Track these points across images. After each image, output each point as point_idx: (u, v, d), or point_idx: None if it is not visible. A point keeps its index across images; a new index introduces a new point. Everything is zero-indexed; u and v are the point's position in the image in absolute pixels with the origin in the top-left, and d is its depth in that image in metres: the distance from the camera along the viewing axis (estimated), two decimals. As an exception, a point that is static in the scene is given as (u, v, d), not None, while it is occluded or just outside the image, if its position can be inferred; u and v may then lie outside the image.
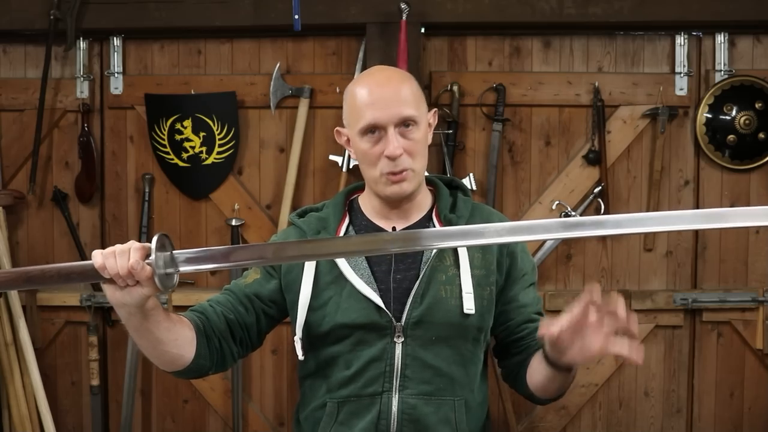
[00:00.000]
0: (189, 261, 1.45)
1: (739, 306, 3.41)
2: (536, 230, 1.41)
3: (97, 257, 1.44)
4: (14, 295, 3.36)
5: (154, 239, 1.44)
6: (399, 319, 1.68)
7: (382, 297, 1.68)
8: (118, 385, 3.54)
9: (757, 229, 3.46)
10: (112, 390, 3.58)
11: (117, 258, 1.42)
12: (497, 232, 1.41)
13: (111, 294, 1.47)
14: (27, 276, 1.49)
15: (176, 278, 1.47)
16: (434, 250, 1.69)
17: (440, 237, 1.46)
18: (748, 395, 3.48)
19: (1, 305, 3.35)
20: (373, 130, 1.67)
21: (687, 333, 3.48)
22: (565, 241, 3.44)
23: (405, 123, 1.67)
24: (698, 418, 3.50)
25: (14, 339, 3.37)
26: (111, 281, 1.45)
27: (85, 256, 3.48)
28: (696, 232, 3.46)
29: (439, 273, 1.70)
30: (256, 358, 3.52)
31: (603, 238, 3.46)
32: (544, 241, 3.43)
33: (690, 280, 3.48)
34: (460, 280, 1.69)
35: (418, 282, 1.69)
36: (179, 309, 3.38)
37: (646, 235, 3.44)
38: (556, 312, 3.57)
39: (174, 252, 1.45)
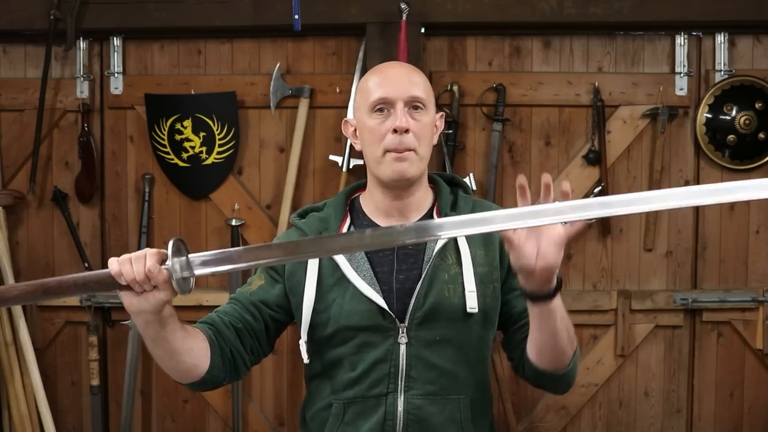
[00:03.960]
0: (205, 264, 1.46)
1: (739, 306, 3.42)
2: (546, 213, 1.39)
3: (114, 265, 1.45)
4: (14, 295, 3.36)
5: (170, 243, 1.45)
6: (402, 320, 1.67)
7: (384, 298, 1.68)
8: (118, 385, 3.54)
9: (758, 229, 3.46)
10: (112, 390, 3.58)
11: (133, 264, 1.43)
12: (508, 218, 1.39)
13: (128, 301, 1.48)
14: (44, 288, 1.48)
15: (193, 282, 1.48)
16: (435, 250, 1.69)
17: (451, 226, 1.43)
18: (748, 395, 3.48)
19: (1, 305, 3.35)
20: (382, 106, 1.68)
21: (687, 333, 3.48)
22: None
23: (414, 105, 1.69)
24: (698, 418, 3.50)
25: (14, 339, 3.37)
26: (128, 288, 1.46)
27: (85, 257, 3.48)
28: (696, 231, 3.46)
29: (442, 272, 1.69)
30: (256, 358, 3.52)
31: (603, 238, 3.46)
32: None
33: (690, 280, 3.48)
34: (463, 279, 1.68)
35: (420, 282, 1.68)
36: (179, 309, 3.36)
37: (647, 234, 3.44)
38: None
39: (190, 255, 1.46)
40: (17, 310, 3.36)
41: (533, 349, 1.63)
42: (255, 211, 3.50)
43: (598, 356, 3.47)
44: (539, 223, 1.40)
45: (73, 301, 3.49)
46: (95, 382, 3.48)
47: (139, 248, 3.06)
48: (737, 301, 3.41)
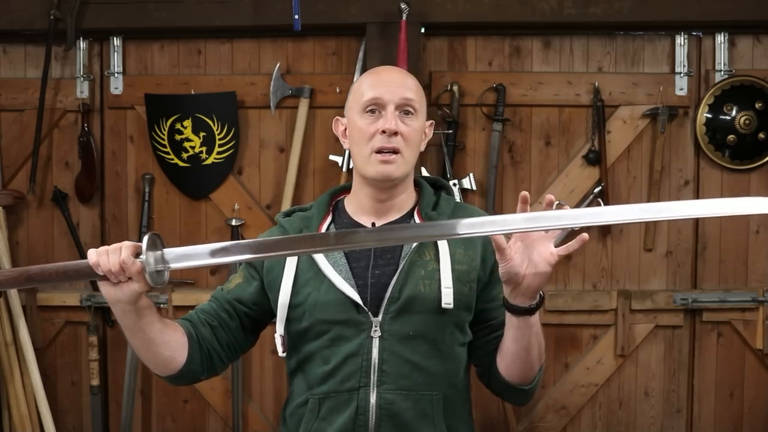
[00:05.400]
0: (178, 258, 1.54)
1: (739, 306, 3.42)
2: (498, 224, 1.47)
3: (92, 255, 1.54)
4: (14, 295, 3.36)
5: (145, 237, 1.52)
6: (376, 315, 1.68)
7: (359, 292, 1.69)
8: (118, 385, 3.54)
9: (757, 229, 3.46)
10: (112, 390, 3.59)
11: (109, 255, 1.52)
12: (473, 225, 1.47)
13: (105, 291, 1.56)
14: (27, 274, 1.57)
15: (167, 275, 1.55)
16: (413, 245, 1.71)
17: (415, 231, 1.55)
18: (748, 395, 3.48)
19: (1, 305, 3.35)
20: (374, 108, 1.71)
21: (687, 333, 3.48)
22: (566, 241, 3.43)
23: (405, 109, 1.71)
24: (698, 418, 3.50)
25: (14, 339, 3.37)
26: (105, 278, 1.53)
27: (85, 257, 3.47)
28: (696, 231, 3.46)
29: (418, 268, 1.70)
30: (256, 358, 3.52)
31: (603, 238, 3.46)
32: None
33: (690, 280, 3.48)
34: (439, 275, 1.69)
35: (396, 277, 1.69)
36: (179, 309, 3.40)
37: (646, 234, 3.45)
38: (556, 312, 3.56)
39: (165, 250, 1.53)
40: (17, 309, 3.36)
41: (504, 360, 1.69)
42: (255, 211, 3.50)
43: (598, 356, 3.47)
44: (504, 232, 1.49)
45: (73, 301, 3.49)
46: (95, 382, 3.48)
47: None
48: (737, 301, 3.41)
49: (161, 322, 1.64)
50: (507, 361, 1.68)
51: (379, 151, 1.69)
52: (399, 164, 1.70)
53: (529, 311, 1.58)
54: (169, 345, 1.67)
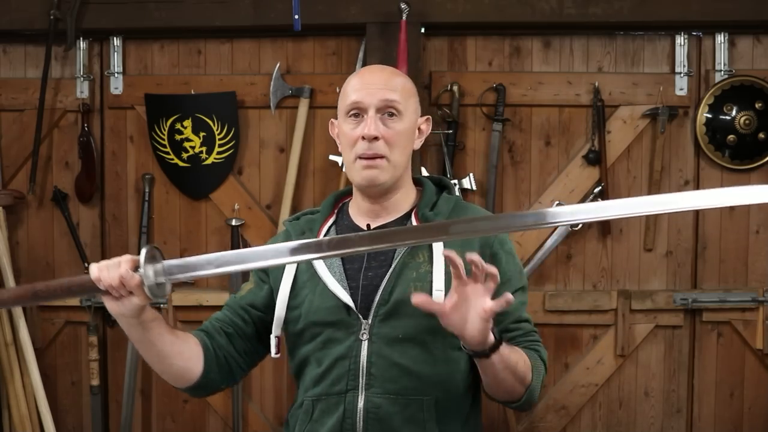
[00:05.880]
0: (177, 269, 1.53)
1: (739, 306, 3.41)
2: (482, 225, 1.50)
3: (94, 270, 1.53)
4: (14, 295, 3.36)
5: (143, 250, 1.51)
6: (366, 317, 1.67)
7: (351, 294, 1.68)
8: (118, 385, 3.54)
9: (757, 229, 3.46)
10: (112, 390, 3.59)
11: (109, 270, 1.51)
12: (458, 228, 1.49)
13: (109, 306, 1.56)
14: (34, 291, 1.58)
15: (168, 287, 1.54)
16: (406, 247, 1.69)
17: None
18: (748, 395, 3.48)
19: (1, 305, 3.35)
20: (356, 111, 1.69)
21: (687, 333, 3.48)
22: (566, 241, 3.44)
23: (388, 111, 1.69)
24: (698, 418, 3.50)
25: (14, 339, 3.37)
26: (108, 293, 1.53)
27: (85, 257, 3.48)
28: (696, 231, 3.46)
29: (410, 270, 1.68)
30: (256, 358, 3.52)
31: (603, 238, 3.46)
32: (544, 241, 3.43)
33: (690, 280, 3.48)
34: (432, 277, 1.67)
35: (386, 279, 1.68)
36: (179, 309, 3.40)
37: (646, 234, 3.44)
38: (556, 312, 3.56)
39: (165, 262, 1.53)
40: (17, 310, 3.35)
41: (486, 386, 1.66)
42: (255, 211, 3.50)
43: (598, 356, 3.47)
44: (492, 233, 1.62)
45: (73, 301, 3.48)
46: (95, 382, 3.48)
47: (138, 248, 3.06)
48: (737, 301, 3.40)
49: (172, 333, 1.63)
50: (485, 385, 1.66)
51: (362, 158, 1.68)
52: (384, 169, 1.68)
53: (483, 355, 1.54)
54: (182, 356, 1.65)
